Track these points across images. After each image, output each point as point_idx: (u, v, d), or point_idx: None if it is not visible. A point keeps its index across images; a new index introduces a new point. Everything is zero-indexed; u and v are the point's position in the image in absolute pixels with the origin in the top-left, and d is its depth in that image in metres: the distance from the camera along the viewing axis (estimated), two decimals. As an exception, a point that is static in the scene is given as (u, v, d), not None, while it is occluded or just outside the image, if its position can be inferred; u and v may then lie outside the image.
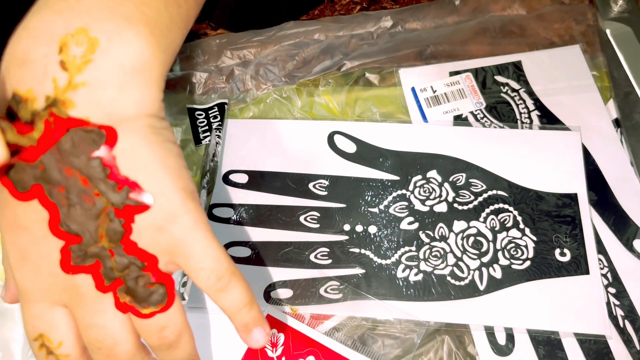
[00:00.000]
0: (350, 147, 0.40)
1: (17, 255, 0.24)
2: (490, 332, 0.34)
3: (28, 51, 0.22)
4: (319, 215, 0.38)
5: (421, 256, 0.36)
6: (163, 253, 0.24)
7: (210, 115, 0.41)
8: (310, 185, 0.39)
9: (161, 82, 0.24)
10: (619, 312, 0.35)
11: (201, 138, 0.41)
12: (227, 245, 0.37)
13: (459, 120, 0.41)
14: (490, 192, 0.38)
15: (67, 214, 0.23)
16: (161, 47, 0.24)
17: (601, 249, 0.36)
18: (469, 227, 0.37)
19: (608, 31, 0.44)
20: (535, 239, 0.37)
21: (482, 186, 0.38)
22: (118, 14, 0.23)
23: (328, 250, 0.37)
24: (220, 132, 0.41)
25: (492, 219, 0.37)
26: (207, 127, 0.41)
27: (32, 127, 0.22)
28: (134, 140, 0.23)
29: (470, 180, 0.39)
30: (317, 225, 0.38)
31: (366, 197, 0.38)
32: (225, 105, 0.42)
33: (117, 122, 0.23)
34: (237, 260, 0.37)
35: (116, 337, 0.25)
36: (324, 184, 0.39)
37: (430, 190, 0.38)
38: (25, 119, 0.22)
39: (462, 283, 0.36)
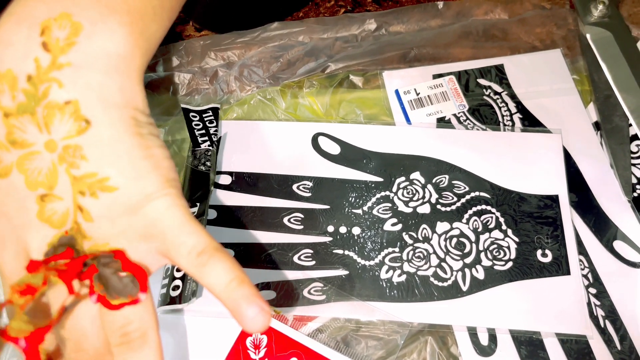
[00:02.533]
0: (334, 149, 0.40)
1: None
2: (473, 333, 0.35)
3: (9, 34, 0.22)
4: (302, 216, 0.38)
5: (404, 257, 0.37)
6: (139, 238, 0.23)
7: (206, 120, 0.41)
8: (294, 187, 0.39)
9: (142, 73, 0.24)
10: (600, 312, 0.35)
11: (199, 142, 0.40)
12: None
13: (442, 122, 0.41)
14: (472, 194, 0.38)
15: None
16: (143, 36, 0.24)
17: (582, 249, 0.37)
18: (452, 229, 0.37)
19: (588, 36, 0.44)
20: (517, 240, 0.37)
21: (464, 188, 0.39)
22: (101, 3, 0.23)
23: (312, 251, 0.37)
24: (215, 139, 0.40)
25: (475, 220, 0.38)
26: (203, 131, 0.40)
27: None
28: (120, 128, 0.23)
29: (453, 181, 0.39)
30: (301, 227, 0.38)
31: (350, 199, 0.38)
32: (219, 110, 0.42)
33: (108, 108, 0.22)
34: (220, 261, 0.37)
35: (85, 330, 0.24)
36: (308, 185, 0.39)
37: (414, 191, 0.39)
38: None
39: (445, 284, 0.36)
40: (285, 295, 0.36)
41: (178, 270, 0.35)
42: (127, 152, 0.23)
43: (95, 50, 0.22)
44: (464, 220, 0.38)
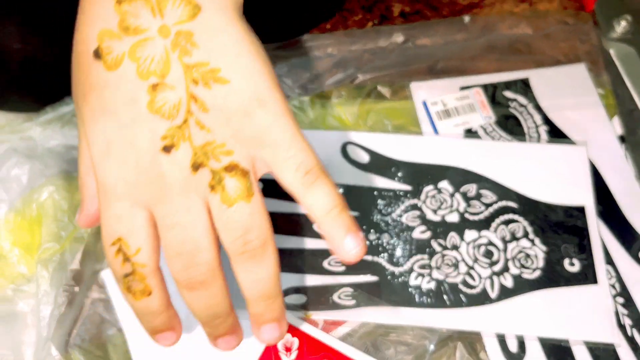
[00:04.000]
0: (363, 157, 0.41)
1: (102, 146, 0.23)
2: (502, 340, 0.35)
3: None
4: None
5: (433, 264, 0.37)
6: (249, 142, 0.23)
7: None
8: (324, 194, 0.40)
9: None
10: (627, 321, 0.35)
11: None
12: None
13: (470, 133, 0.42)
14: (500, 203, 0.39)
15: None
16: None
17: (609, 259, 0.37)
18: (480, 237, 0.38)
19: (612, 51, 0.45)
20: (545, 249, 0.37)
21: (492, 197, 0.39)
22: None
23: (342, 257, 0.37)
24: None
25: (503, 229, 0.38)
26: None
27: None
28: (228, 18, 0.22)
29: (481, 191, 0.40)
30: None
31: (379, 206, 0.39)
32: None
33: (217, 1, 0.22)
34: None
35: (199, 241, 0.23)
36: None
37: (442, 200, 0.39)
38: None
39: (474, 291, 0.36)
40: (315, 300, 0.36)
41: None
42: (236, 43, 0.22)
43: None
44: (492, 229, 0.38)
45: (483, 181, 0.40)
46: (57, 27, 0.36)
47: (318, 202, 0.24)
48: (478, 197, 0.39)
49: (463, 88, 0.44)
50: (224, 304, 0.25)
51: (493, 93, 0.44)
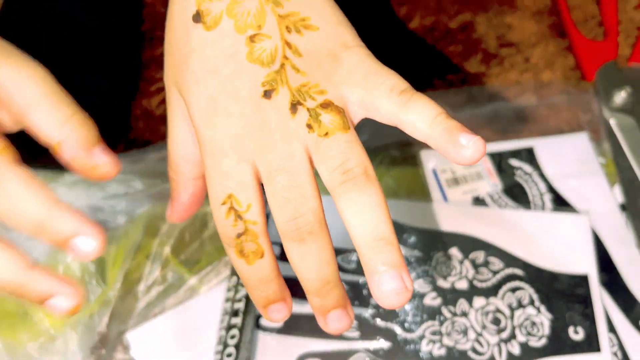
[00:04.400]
0: (376, 224, 0.43)
1: (206, 104, 0.25)
2: (510, 407, 0.36)
3: None
4: (348, 288, 0.40)
5: (444, 331, 0.39)
6: (340, 82, 0.25)
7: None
8: (339, 259, 0.42)
9: None
10: (630, 390, 0.37)
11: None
12: (258, 316, 0.40)
13: (477, 200, 0.44)
14: (507, 271, 0.41)
15: None
16: None
17: (611, 327, 0.39)
18: (487, 304, 0.40)
19: (612, 121, 0.47)
20: (550, 317, 0.39)
21: (499, 264, 0.41)
22: None
23: (356, 322, 0.39)
24: None
25: (510, 296, 0.40)
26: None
27: None
28: None
29: (489, 258, 0.41)
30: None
31: (391, 272, 0.41)
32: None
33: None
34: (267, 329, 0.39)
35: (305, 188, 0.24)
36: (353, 258, 0.42)
37: (452, 267, 0.41)
38: None
39: (483, 358, 0.38)
40: (331, 364, 0.38)
41: (232, 337, 0.38)
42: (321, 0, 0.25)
43: None
44: (499, 296, 0.40)
45: (491, 248, 0.42)
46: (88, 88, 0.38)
47: (421, 115, 0.24)
48: (486, 264, 0.41)
49: (471, 156, 0.46)
50: (333, 264, 0.25)
51: (499, 161, 0.46)
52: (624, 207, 0.44)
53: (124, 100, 0.50)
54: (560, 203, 0.44)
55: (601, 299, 0.40)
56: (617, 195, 0.45)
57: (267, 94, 0.24)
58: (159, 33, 0.56)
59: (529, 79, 0.51)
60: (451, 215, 0.43)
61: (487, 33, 0.54)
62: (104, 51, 0.51)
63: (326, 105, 0.24)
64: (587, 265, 0.41)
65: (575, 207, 0.44)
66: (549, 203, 0.44)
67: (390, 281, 0.24)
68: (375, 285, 0.24)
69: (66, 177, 0.47)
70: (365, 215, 0.24)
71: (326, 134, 0.24)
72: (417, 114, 0.24)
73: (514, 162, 0.46)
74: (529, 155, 0.46)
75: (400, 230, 0.43)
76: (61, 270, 0.43)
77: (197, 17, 0.25)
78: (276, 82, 0.24)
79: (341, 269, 0.41)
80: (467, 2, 0.56)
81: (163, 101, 0.53)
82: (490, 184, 0.45)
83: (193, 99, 0.25)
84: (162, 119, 0.52)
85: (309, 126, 0.24)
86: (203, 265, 0.43)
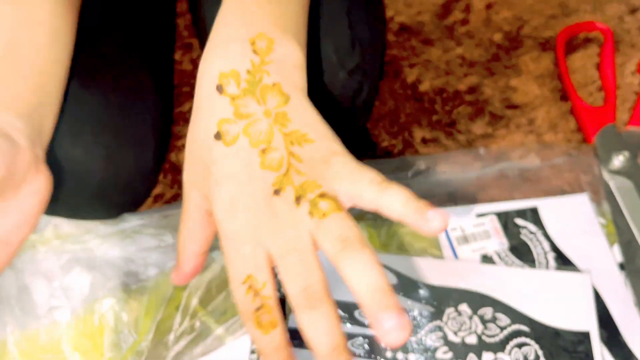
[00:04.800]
0: (391, 279, 0.46)
1: (227, 203, 0.31)
2: None
3: (226, 49, 0.32)
4: (365, 341, 0.43)
5: (455, 384, 0.42)
6: (331, 180, 0.30)
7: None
8: (356, 313, 0.45)
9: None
10: None
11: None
12: None
13: (486, 258, 0.47)
14: (514, 327, 0.44)
15: None
16: (302, 46, 0.34)
17: (611, 382, 0.42)
18: (496, 359, 0.42)
19: (611, 184, 0.51)
20: (554, 372, 0.42)
21: (506, 320, 0.44)
22: (278, 25, 0.33)
23: (373, 375, 0.42)
24: None
25: (516, 351, 0.43)
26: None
27: None
28: (306, 103, 0.32)
29: (496, 314, 0.44)
30: (363, 351, 0.43)
31: (405, 326, 0.44)
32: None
33: (296, 88, 0.32)
34: None
35: (311, 263, 0.29)
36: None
37: (462, 322, 0.44)
38: (232, 94, 0.32)
39: (491, 410, 0.41)
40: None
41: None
42: (314, 119, 0.32)
43: (284, 54, 0.33)
44: (507, 352, 0.43)
45: (498, 305, 0.45)
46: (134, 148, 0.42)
47: (395, 199, 0.29)
48: (494, 320, 0.44)
49: (479, 215, 0.49)
50: (339, 328, 0.29)
51: (506, 220, 0.49)
52: (622, 266, 0.47)
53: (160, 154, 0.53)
54: (563, 261, 0.47)
55: (602, 356, 0.42)
56: (617, 254, 0.48)
57: (277, 192, 0.31)
58: (186, 89, 0.60)
59: (532, 140, 0.55)
60: (461, 273, 0.46)
61: (493, 95, 0.58)
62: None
63: (322, 195, 0.30)
64: (588, 323, 0.44)
65: (577, 265, 0.47)
66: (552, 261, 0.47)
67: (391, 319, 0.27)
68: (379, 326, 0.27)
69: (100, 229, 0.50)
70: (363, 272, 0.28)
71: (324, 214, 0.30)
72: (392, 199, 0.30)
73: (520, 221, 0.49)
74: (533, 215, 0.49)
75: (414, 286, 0.46)
76: (96, 320, 0.46)
77: (219, 136, 0.32)
78: (284, 183, 0.31)
79: (360, 323, 0.44)
80: (475, 65, 0.60)
81: (189, 155, 0.56)
82: (497, 242, 0.48)
83: (215, 198, 0.31)
84: (189, 173, 0.55)
85: (311, 213, 0.30)
86: (229, 316, 0.45)
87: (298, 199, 0.30)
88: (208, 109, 0.32)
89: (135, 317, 0.45)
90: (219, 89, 0.32)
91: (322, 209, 0.30)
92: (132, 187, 0.45)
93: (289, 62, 0.33)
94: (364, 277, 0.28)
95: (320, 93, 0.47)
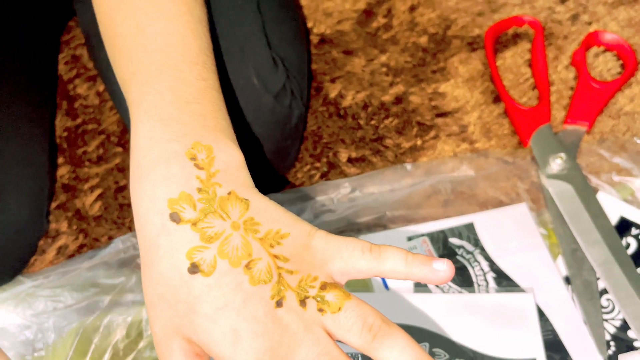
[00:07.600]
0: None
1: (230, 336, 0.27)
2: None
3: (165, 172, 0.29)
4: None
5: None
6: (321, 264, 0.29)
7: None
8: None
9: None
10: None
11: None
12: None
13: (419, 285, 0.43)
14: (453, 362, 0.39)
15: None
16: (237, 144, 0.32)
17: (564, 414, 0.38)
18: (435, 401, 0.38)
19: (550, 189, 0.47)
20: (500, 410, 0.38)
21: (445, 355, 0.40)
22: (210, 128, 0.30)
23: None
24: None
25: (457, 390, 0.38)
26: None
27: None
28: (262, 198, 0.30)
29: (434, 349, 0.40)
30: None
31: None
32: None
33: (248, 189, 0.30)
34: None
35: (338, 356, 0.27)
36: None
37: (396, 362, 0.40)
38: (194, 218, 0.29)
39: None
40: None
41: None
42: (276, 211, 0.30)
43: (226, 160, 0.30)
44: (447, 391, 0.38)
45: (435, 338, 0.40)
46: None
47: (395, 261, 0.29)
48: (432, 356, 0.40)
49: (410, 238, 0.45)
50: None
51: (439, 241, 0.45)
52: (568, 280, 0.43)
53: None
54: (505, 281, 0.43)
55: (551, 385, 0.38)
56: (561, 267, 0.44)
57: (278, 304, 0.28)
58: (93, 126, 0.55)
59: (465, 149, 0.51)
60: (393, 305, 0.42)
61: (421, 104, 0.54)
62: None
63: (323, 286, 0.28)
64: (534, 349, 0.40)
65: (519, 284, 0.43)
66: (492, 282, 0.43)
67: None
68: None
69: (-6, 294, 0.45)
70: (405, 352, 0.27)
71: (339, 308, 0.28)
72: (392, 262, 0.29)
73: (455, 240, 0.45)
74: (469, 232, 0.45)
75: (341, 325, 0.41)
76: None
77: (194, 268, 0.28)
78: (281, 291, 0.28)
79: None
80: (400, 73, 0.56)
81: (97, 199, 0.51)
82: (431, 266, 0.44)
83: (215, 336, 0.27)
84: (96, 220, 0.50)
85: (321, 310, 0.28)
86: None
87: (302, 301, 0.28)
88: (168, 243, 0.28)
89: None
90: (174, 217, 0.28)
91: (332, 302, 0.28)
92: (11, 248, 0.40)
93: (233, 165, 0.30)
94: (407, 357, 0.27)
95: (246, 126, 0.43)
